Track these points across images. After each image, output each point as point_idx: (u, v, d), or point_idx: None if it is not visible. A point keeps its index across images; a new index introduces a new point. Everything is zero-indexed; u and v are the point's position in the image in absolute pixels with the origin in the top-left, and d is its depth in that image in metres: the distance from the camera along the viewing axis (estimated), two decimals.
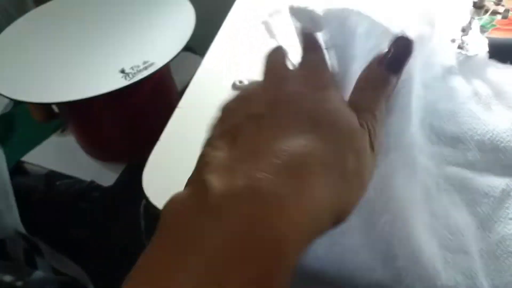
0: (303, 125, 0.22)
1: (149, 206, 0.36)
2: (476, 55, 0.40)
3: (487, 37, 0.43)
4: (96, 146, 0.87)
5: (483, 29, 0.46)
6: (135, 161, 0.81)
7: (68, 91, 0.64)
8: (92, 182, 0.83)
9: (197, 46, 0.85)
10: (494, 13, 0.37)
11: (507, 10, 0.37)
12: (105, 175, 0.84)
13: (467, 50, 0.41)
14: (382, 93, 0.26)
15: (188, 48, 0.72)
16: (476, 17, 0.38)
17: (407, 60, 0.27)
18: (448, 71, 0.39)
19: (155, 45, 0.71)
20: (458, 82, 0.37)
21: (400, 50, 0.27)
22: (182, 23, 0.73)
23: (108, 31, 0.75)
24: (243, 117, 0.24)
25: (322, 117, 0.23)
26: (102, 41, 0.73)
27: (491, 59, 0.40)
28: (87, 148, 0.87)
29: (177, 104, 0.50)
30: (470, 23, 0.39)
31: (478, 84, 0.37)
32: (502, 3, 0.36)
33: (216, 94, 0.46)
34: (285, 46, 0.31)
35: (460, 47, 0.41)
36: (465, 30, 0.40)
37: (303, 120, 0.23)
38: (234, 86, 0.48)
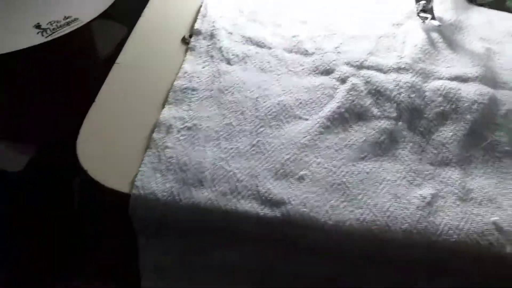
0: None
1: (86, 182, 0.28)
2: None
3: None
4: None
5: None
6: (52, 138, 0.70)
7: None
8: None
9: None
10: None
11: None
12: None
13: (431, 13, 0.41)
14: None
15: (108, 16, 0.64)
16: None
17: None
18: None
19: None
20: None
21: None
22: None
23: None
24: None
25: None
26: None
27: None
28: None
29: (102, 73, 0.44)
30: None
31: None
32: None
33: (157, 49, 0.45)
34: None
35: (424, 10, 0.40)
36: None
37: None
38: (184, 41, 0.46)
